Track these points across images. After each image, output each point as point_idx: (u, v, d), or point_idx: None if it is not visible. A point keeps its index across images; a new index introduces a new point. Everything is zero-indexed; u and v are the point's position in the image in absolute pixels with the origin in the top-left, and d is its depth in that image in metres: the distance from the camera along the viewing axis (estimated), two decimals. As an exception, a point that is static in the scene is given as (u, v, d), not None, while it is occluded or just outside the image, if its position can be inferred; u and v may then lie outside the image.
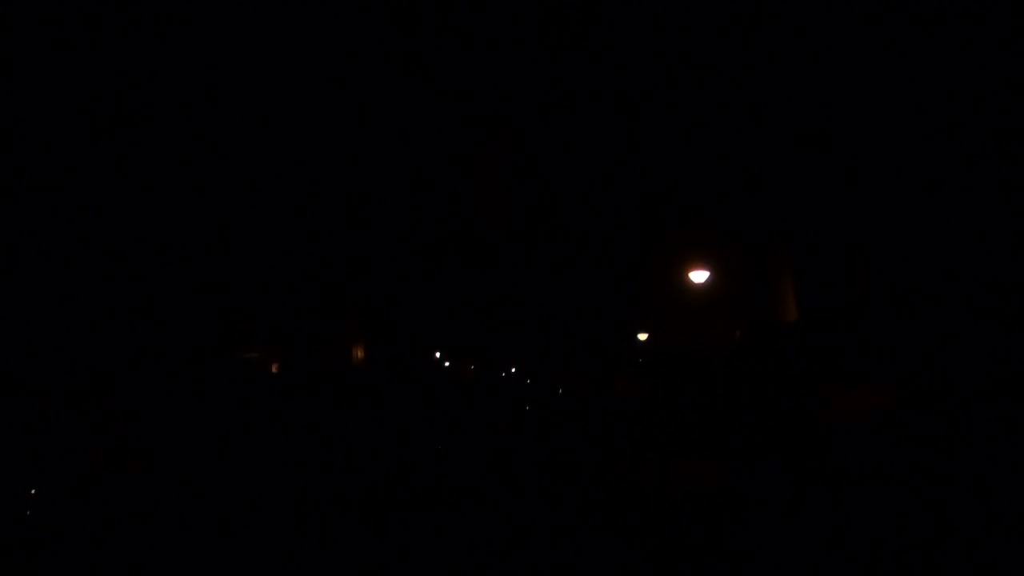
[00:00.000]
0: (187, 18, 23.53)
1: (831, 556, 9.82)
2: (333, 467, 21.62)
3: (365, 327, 40.83)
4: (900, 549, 10.01)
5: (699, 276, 25.26)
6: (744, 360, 25.46)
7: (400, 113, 37.17)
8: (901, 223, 16.34)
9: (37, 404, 17.72)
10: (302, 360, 31.97)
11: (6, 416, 16.81)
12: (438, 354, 52.82)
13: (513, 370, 75.98)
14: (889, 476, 13.77)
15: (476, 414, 41.44)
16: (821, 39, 18.88)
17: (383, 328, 43.03)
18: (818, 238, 20.62)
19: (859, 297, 18.28)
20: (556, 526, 12.54)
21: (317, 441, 24.59)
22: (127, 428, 19.40)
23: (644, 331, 49.81)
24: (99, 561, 11.23)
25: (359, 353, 39.54)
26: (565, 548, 10.98)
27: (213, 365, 26.04)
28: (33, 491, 14.34)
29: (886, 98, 16.87)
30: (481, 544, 11.35)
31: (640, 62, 30.31)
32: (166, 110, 23.96)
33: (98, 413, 19.06)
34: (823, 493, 13.95)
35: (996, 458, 12.66)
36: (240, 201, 28.10)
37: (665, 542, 11.18)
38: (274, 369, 31.34)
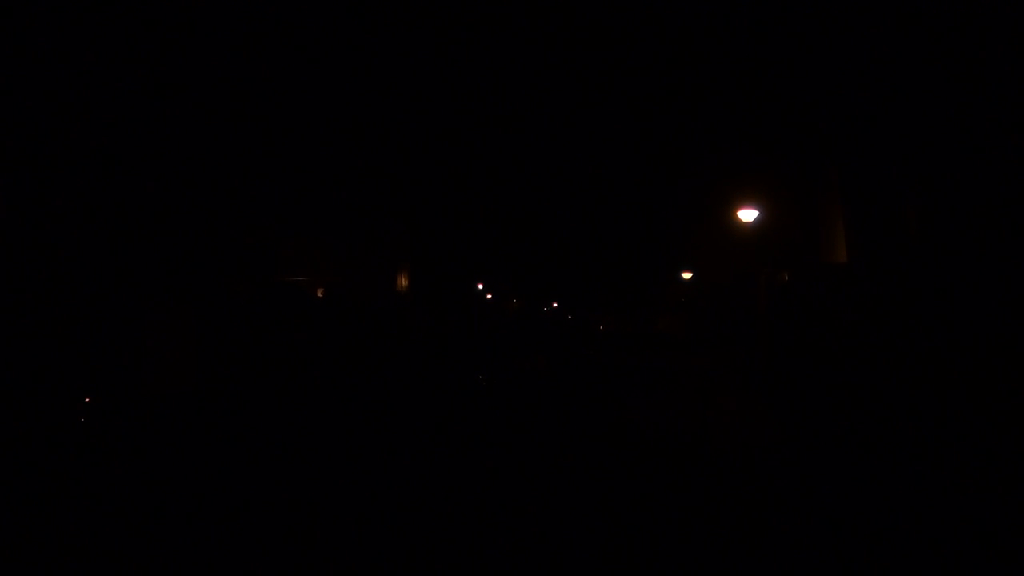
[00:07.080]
0: None
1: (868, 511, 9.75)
2: (378, 390, 22.03)
3: (410, 257, 41.11)
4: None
5: (748, 215, 24.83)
6: (791, 301, 25.14)
7: (442, 45, 36.74)
8: (956, 162, 15.78)
9: (85, 326, 18.23)
10: (348, 285, 32.39)
11: (52, 329, 17.34)
12: (481, 286, 53.16)
13: (555, 305, 76.26)
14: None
15: (516, 347, 41.66)
16: None
17: (428, 259, 43.30)
18: (870, 178, 20.06)
19: (912, 238, 17.82)
20: (588, 456, 12.67)
21: (363, 363, 25.04)
22: (174, 347, 19.92)
23: (689, 271, 49.52)
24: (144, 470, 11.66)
25: (403, 281, 39.93)
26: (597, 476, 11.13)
27: (261, 288, 26.52)
28: (87, 399, 14.91)
29: (940, 26, 16.08)
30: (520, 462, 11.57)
31: None
32: (227, 36, 23.99)
33: (148, 331, 19.56)
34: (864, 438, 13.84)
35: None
36: (288, 127, 28.23)
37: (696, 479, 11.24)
38: (320, 293, 31.83)
